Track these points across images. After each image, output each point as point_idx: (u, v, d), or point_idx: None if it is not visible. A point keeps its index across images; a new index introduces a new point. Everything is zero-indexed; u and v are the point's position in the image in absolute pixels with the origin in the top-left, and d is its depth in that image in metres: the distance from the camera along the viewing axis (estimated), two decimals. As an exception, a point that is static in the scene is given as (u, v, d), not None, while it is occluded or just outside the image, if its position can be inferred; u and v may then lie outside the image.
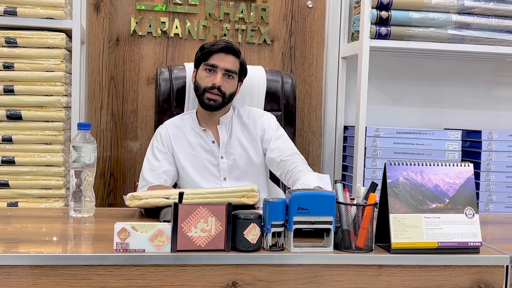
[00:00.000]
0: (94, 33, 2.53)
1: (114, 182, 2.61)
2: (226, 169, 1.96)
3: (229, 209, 1.17)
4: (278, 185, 2.19)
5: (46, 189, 2.07)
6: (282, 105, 2.25)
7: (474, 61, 2.80)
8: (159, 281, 1.14)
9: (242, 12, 2.63)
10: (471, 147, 2.58)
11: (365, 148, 2.44)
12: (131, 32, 2.56)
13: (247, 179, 1.98)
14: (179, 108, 2.16)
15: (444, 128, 2.75)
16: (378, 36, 2.37)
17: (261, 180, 2.02)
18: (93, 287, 1.12)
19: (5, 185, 2.04)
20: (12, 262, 1.11)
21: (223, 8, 2.62)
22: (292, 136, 2.21)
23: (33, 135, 2.05)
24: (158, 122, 2.10)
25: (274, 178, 2.15)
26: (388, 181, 1.24)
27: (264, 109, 2.16)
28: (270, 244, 1.19)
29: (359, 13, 2.44)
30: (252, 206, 1.45)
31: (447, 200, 1.25)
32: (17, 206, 2.03)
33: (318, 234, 1.24)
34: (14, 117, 2.03)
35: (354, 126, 2.49)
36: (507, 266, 1.24)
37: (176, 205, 1.15)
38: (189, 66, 2.17)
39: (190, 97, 2.14)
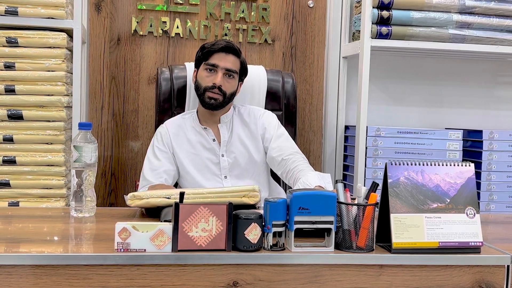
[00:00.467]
0: (95, 32, 2.53)
1: (115, 181, 2.61)
2: (227, 167, 1.96)
3: (230, 209, 1.17)
4: (279, 184, 2.19)
5: (47, 188, 2.07)
6: (283, 104, 2.25)
7: (475, 60, 2.80)
8: (160, 281, 1.14)
9: (243, 11, 2.63)
10: (472, 147, 2.57)
11: (366, 147, 2.44)
12: (132, 31, 2.56)
13: (248, 178, 1.98)
14: (180, 107, 2.16)
15: (445, 128, 2.75)
16: (379, 35, 2.37)
17: (262, 179, 2.02)
18: (94, 287, 1.12)
19: (6, 184, 2.04)
20: (13, 261, 1.11)
21: (224, 8, 2.62)
22: (293, 136, 2.21)
23: (34, 134, 2.05)
24: (159, 121, 2.10)
25: (275, 177, 2.14)
26: (389, 181, 1.24)
27: (265, 109, 2.16)
28: (271, 244, 1.19)
29: (360, 12, 2.44)
30: (253, 206, 1.45)
31: (448, 200, 1.24)
32: (18, 205, 2.03)
33: (319, 234, 1.24)
34: (15, 116, 2.04)
35: (355, 126, 2.49)
36: (508, 266, 1.24)
37: (177, 205, 1.15)
38: (190, 66, 2.17)
39: (191, 96, 2.15)
